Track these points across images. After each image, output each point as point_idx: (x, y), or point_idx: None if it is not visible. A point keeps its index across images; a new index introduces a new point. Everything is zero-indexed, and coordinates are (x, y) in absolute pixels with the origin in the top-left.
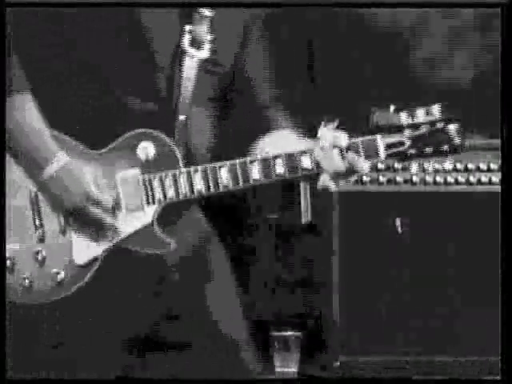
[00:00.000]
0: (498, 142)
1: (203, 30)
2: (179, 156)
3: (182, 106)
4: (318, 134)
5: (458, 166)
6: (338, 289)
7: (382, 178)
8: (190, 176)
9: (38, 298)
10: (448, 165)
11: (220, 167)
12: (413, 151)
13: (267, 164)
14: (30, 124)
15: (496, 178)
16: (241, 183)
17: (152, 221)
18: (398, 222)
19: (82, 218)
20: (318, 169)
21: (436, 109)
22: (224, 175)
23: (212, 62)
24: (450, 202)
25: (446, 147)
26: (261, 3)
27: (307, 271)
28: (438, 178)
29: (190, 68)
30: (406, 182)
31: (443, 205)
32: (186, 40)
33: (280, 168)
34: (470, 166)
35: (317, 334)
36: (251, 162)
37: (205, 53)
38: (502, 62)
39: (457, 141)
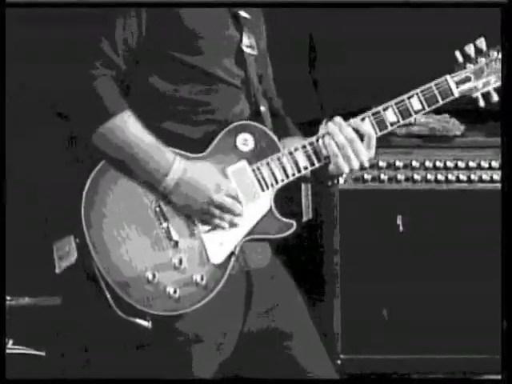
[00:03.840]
0: (498, 140)
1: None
2: (276, 140)
3: (259, 98)
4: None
5: (460, 163)
6: (339, 286)
7: (383, 176)
8: (292, 155)
9: (186, 306)
10: (450, 163)
11: (317, 140)
12: (479, 84)
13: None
14: (141, 138)
15: (497, 175)
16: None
17: (271, 206)
18: (399, 219)
19: (209, 211)
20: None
21: (483, 43)
22: (324, 146)
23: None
24: (451, 199)
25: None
26: (261, 3)
27: (308, 269)
28: (440, 176)
29: (251, 67)
30: (407, 179)
31: (444, 202)
32: (245, 41)
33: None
34: (471, 163)
35: (318, 332)
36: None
37: (255, 51)
38: (502, 61)
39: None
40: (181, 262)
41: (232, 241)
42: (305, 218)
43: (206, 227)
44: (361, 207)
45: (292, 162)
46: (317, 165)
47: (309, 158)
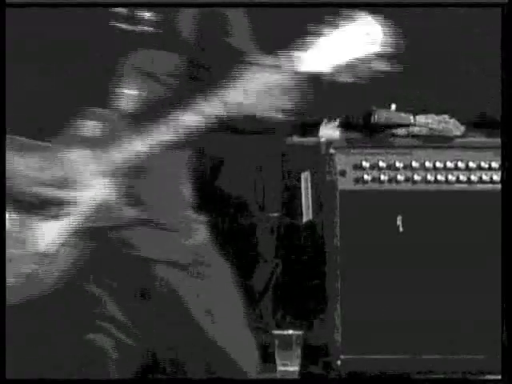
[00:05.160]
0: (498, 140)
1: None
2: (123, 128)
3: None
4: (320, 132)
5: (460, 164)
6: (339, 287)
7: (383, 177)
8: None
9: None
10: (450, 163)
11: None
12: None
13: None
14: None
15: (497, 176)
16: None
17: (110, 193)
18: (399, 220)
19: (33, 201)
20: None
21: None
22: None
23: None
24: (451, 200)
25: None
26: (261, 3)
27: (308, 270)
28: (440, 177)
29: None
30: (407, 180)
31: (444, 203)
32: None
33: None
34: (471, 164)
35: (318, 332)
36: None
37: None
38: (502, 61)
39: None
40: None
41: (65, 229)
42: (305, 219)
43: (38, 216)
44: (361, 208)
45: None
46: None
47: None
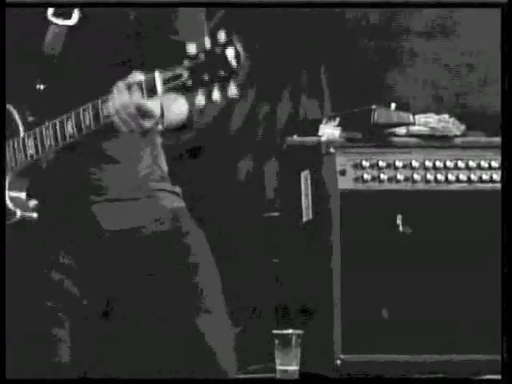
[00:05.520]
0: (498, 140)
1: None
2: (20, 124)
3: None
4: (320, 132)
5: (460, 163)
6: (339, 287)
7: (382, 176)
8: (24, 142)
9: None
10: (450, 163)
11: (45, 129)
12: (190, 82)
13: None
14: None
15: (497, 175)
16: (60, 143)
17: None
18: (398, 219)
19: None
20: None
21: (221, 35)
22: (47, 136)
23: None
24: (450, 199)
25: (222, 72)
26: (261, 3)
27: (308, 269)
28: (439, 176)
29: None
30: (406, 179)
31: (444, 202)
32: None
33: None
34: (471, 163)
35: (318, 332)
36: (66, 118)
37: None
38: (502, 61)
39: (233, 64)
40: None
41: None
42: (305, 218)
43: None
44: (361, 207)
45: (23, 148)
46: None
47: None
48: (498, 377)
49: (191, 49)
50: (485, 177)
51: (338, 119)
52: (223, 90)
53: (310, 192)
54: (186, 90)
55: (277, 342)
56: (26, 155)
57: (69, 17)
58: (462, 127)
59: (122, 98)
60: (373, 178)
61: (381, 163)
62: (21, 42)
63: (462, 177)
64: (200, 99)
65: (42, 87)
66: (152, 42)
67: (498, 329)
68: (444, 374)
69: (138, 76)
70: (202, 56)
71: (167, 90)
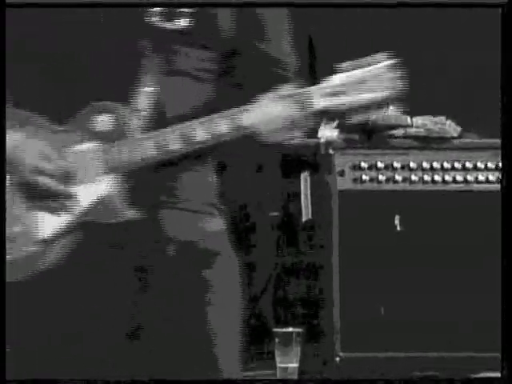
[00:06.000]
0: (494, 141)
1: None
2: (135, 126)
3: (148, 76)
4: (319, 134)
5: (456, 164)
6: (338, 285)
7: (381, 177)
8: (142, 143)
9: (23, 274)
10: (447, 164)
11: (171, 132)
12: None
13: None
14: None
15: (493, 176)
16: (187, 147)
17: (110, 190)
18: (396, 219)
19: (35, 190)
20: None
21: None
22: (171, 139)
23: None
24: (447, 200)
25: None
26: (262, 3)
27: (308, 268)
28: (437, 177)
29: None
30: (404, 180)
31: (441, 203)
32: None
33: (224, 128)
34: (467, 165)
35: (318, 330)
36: (199, 124)
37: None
38: (502, 61)
39: (393, 85)
40: (13, 234)
41: (62, 220)
42: (304, 218)
43: (40, 203)
44: (359, 207)
45: (140, 148)
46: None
47: (158, 146)
48: (498, 374)
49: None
50: (481, 178)
51: (336, 121)
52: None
53: (309, 192)
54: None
55: (277, 340)
56: (142, 157)
57: (177, 21)
58: (459, 129)
59: (273, 109)
60: (371, 179)
61: (379, 164)
62: (21, 41)
63: (459, 178)
64: None
65: None
66: (249, 58)
67: (496, 328)
68: (443, 372)
69: (290, 89)
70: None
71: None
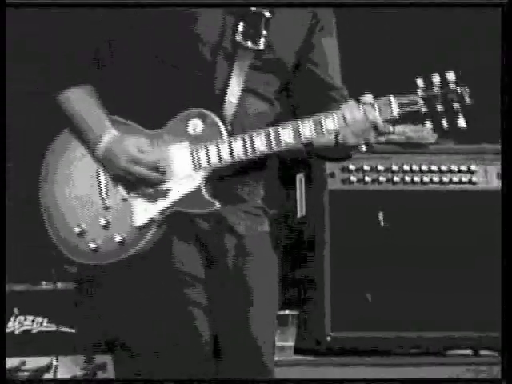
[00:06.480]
0: (467, 146)
1: (259, 27)
2: (223, 130)
3: (232, 89)
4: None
5: (433, 167)
6: (329, 273)
7: (366, 178)
8: (230, 144)
9: (104, 259)
10: (424, 167)
11: (257, 134)
12: (424, 109)
13: (296, 129)
14: (88, 111)
15: (466, 177)
16: (274, 147)
17: (200, 185)
18: (380, 216)
19: (131, 179)
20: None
21: (450, 75)
22: (259, 141)
23: (267, 60)
24: (425, 198)
25: (456, 105)
26: (263, 3)
27: (302, 258)
28: (416, 178)
29: (242, 58)
30: (387, 181)
31: (420, 201)
32: (240, 33)
33: (307, 131)
34: (443, 167)
35: (311, 313)
36: (283, 128)
37: (261, 46)
38: (502, 61)
39: (467, 100)
40: (108, 222)
41: (155, 208)
42: (299, 214)
43: (134, 193)
44: (347, 205)
45: (228, 149)
46: (250, 155)
47: (245, 148)
48: (495, 353)
49: (419, 81)
50: (455, 179)
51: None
52: (453, 120)
53: (303, 192)
54: (417, 116)
55: (276, 321)
56: (232, 156)
57: (257, 41)
58: (435, 136)
59: (355, 115)
60: (358, 180)
61: (365, 167)
62: (22, 42)
63: (435, 179)
64: (429, 125)
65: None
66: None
67: (494, 308)
68: (435, 349)
69: (370, 98)
70: (435, 89)
71: (401, 113)
